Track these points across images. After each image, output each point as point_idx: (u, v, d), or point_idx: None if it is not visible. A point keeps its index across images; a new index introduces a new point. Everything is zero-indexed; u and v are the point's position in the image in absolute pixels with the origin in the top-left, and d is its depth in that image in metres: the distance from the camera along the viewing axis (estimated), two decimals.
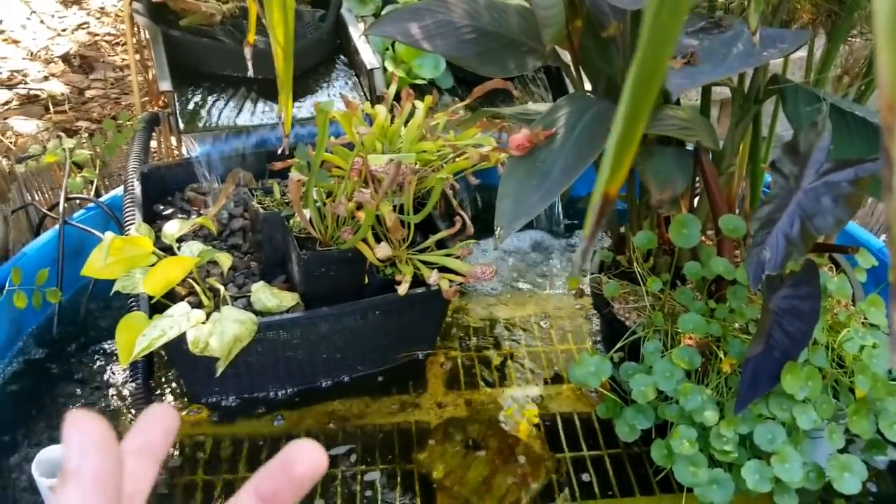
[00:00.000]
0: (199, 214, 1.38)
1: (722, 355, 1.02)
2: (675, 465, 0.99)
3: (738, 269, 1.06)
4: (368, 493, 1.09)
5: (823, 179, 0.93)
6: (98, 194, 1.53)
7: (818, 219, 0.92)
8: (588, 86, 1.16)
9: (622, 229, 1.29)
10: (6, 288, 1.25)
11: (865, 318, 1.03)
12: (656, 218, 1.23)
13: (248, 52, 0.68)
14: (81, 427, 0.28)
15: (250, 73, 0.76)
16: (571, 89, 1.53)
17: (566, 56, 1.13)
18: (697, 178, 1.14)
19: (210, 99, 1.56)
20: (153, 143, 1.72)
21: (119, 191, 1.47)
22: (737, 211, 1.21)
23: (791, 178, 0.92)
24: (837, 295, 1.04)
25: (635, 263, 1.17)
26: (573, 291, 1.31)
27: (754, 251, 0.88)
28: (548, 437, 1.18)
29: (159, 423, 0.32)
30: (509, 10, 1.05)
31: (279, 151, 0.96)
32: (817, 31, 1.11)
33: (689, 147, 1.11)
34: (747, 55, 0.85)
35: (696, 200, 1.21)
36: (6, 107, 2.19)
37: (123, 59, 2.46)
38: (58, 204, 1.39)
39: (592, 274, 1.26)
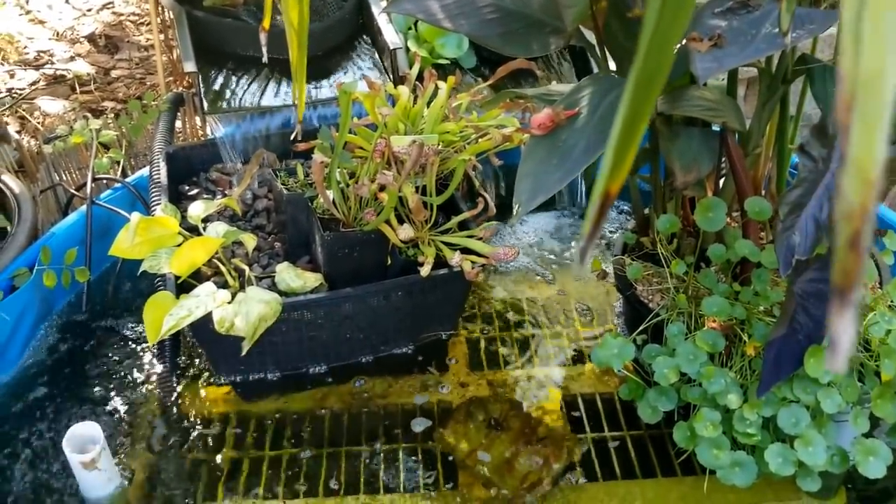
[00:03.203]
0: (224, 195, 1.39)
1: (746, 338, 1.02)
2: (697, 447, 0.99)
3: (763, 252, 1.05)
4: (391, 471, 1.10)
5: None
6: (125, 174, 1.54)
7: None
8: (613, 66, 1.15)
9: (646, 211, 1.28)
10: (36, 267, 1.27)
11: (892, 302, 1.02)
12: (681, 199, 1.22)
13: (263, 37, 0.68)
14: None
15: (265, 59, 0.76)
16: (596, 69, 1.52)
17: (591, 36, 1.12)
18: (723, 160, 1.13)
19: (234, 79, 1.57)
20: (178, 124, 1.73)
21: (145, 171, 1.49)
22: (763, 193, 1.20)
23: (819, 160, 0.91)
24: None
25: (659, 245, 1.16)
26: (596, 273, 1.31)
27: (784, 236, 0.87)
28: (570, 418, 1.18)
29: None
30: None
31: (292, 137, 0.96)
32: None
33: (716, 128, 1.09)
34: (776, 37, 0.83)
35: (721, 181, 1.20)
36: (33, 87, 2.21)
37: (148, 39, 2.47)
38: (85, 184, 1.41)
39: (616, 256, 1.26)
